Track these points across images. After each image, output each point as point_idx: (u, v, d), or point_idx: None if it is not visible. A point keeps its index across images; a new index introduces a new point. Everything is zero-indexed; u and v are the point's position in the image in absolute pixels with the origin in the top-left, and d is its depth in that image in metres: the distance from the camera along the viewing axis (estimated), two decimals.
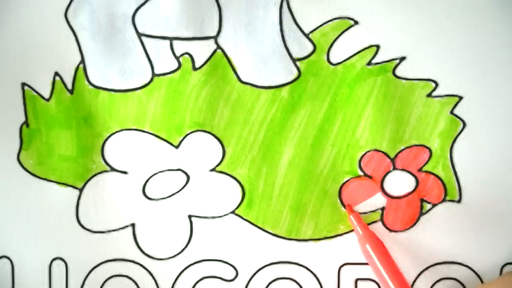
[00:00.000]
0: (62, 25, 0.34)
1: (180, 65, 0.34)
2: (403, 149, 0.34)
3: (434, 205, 0.34)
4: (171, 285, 0.35)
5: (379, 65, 0.34)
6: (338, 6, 0.34)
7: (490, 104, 0.34)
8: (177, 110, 0.34)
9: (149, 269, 0.35)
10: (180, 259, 0.35)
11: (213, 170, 0.35)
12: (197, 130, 0.34)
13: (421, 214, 0.34)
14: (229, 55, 0.34)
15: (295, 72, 0.34)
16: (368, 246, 0.33)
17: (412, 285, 0.34)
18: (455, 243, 0.34)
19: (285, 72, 0.34)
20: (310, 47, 0.34)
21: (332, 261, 0.35)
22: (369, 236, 0.33)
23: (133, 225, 0.35)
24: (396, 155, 0.34)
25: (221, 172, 0.35)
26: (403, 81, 0.34)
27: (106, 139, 0.35)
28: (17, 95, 0.34)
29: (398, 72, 0.34)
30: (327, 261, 0.35)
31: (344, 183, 0.35)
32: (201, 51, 0.34)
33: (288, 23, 0.34)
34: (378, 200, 0.35)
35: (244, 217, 0.35)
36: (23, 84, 0.34)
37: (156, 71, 0.34)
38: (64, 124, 0.34)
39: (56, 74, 0.34)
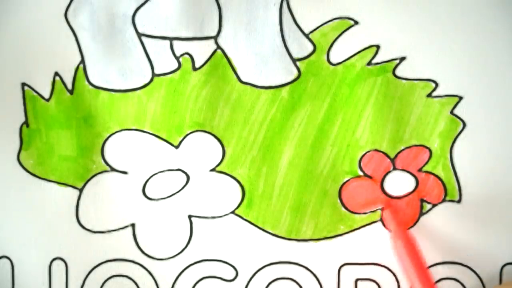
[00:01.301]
0: (62, 25, 0.34)
1: (180, 65, 0.34)
2: (403, 149, 0.34)
3: (434, 205, 0.34)
4: (171, 285, 0.35)
5: (379, 65, 0.34)
6: (338, 6, 0.34)
7: (490, 104, 0.34)
8: (177, 110, 0.34)
9: (149, 269, 0.35)
10: (180, 259, 0.35)
11: (213, 170, 0.35)
12: (197, 130, 0.34)
13: (421, 214, 0.34)
14: (229, 55, 0.34)
15: (295, 72, 0.34)
16: (400, 243, 0.32)
17: None
18: (455, 243, 0.34)
19: (285, 72, 0.34)
20: (310, 47, 0.34)
21: (332, 261, 0.35)
22: (402, 233, 0.33)
23: (133, 225, 0.35)
24: (396, 155, 0.34)
25: (221, 172, 0.35)
26: (403, 81, 0.34)
27: (106, 139, 0.35)
28: (17, 95, 0.34)
29: (398, 72, 0.34)
30: (327, 261, 0.35)
31: (344, 183, 0.35)
32: (201, 51, 0.34)
33: (288, 23, 0.34)
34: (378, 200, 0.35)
35: (244, 217, 0.35)
36: (23, 84, 0.34)
37: (156, 71, 0.34)
38: (64, 124, 0.34)
39: (56, 74, 0.34)
